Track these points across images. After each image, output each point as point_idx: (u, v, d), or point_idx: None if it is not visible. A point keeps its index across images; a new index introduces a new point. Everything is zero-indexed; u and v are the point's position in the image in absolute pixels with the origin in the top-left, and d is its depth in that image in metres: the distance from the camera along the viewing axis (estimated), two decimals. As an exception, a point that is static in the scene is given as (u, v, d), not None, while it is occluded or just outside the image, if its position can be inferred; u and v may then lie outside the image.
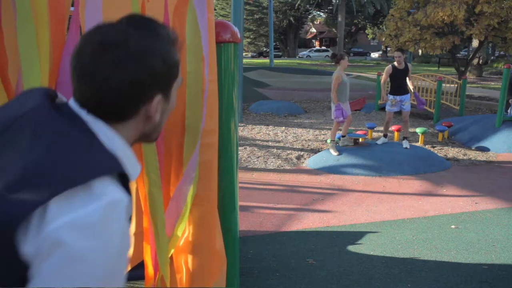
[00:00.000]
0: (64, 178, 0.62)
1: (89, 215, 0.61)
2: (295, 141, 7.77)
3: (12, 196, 0.60)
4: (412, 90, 6.70)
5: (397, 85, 6.61)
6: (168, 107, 0.82)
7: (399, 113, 6.91)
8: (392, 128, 7.75)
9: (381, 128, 7.57)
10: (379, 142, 6.79)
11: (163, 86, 0.76)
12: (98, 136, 0.72)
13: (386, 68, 6.77)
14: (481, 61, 23.04)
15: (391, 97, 6.64)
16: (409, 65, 6.60)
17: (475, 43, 19.65)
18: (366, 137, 7.41)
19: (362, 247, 3.59)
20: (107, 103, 0.72)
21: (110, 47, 0.70)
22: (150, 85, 0.73)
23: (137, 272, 2.18)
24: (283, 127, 9.03)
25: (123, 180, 0.71)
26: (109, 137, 0.74)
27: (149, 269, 1.73)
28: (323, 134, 8.32)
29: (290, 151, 6.98)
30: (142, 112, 0.76)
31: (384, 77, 6.76)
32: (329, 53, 24.69)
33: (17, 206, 0.59)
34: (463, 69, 13.63)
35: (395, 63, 6.58)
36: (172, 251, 1.69)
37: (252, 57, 42.47)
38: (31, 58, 1.33)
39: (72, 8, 1.57)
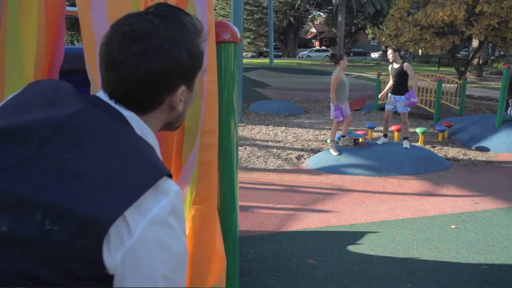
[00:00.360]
0: (137, 185, 0.65)
1: (164, 209, 0.66)
2: (295, 141, 7.77)
3: (95, 201, 0.63)
4: (410, 88, 6.67)
5: (393, 83, 6.61)
6: (192, 97, 0.84)
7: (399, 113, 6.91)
8: (392, 128, 7.75)
9: (381, 128, 7.57)
10: (379, 142, 6.79)
11: (187, 77, 0.78)
12: (135, 131, 0.74)
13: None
14: (481, 61, 23.04)
15: (389, 95, 6.68)
16: (406, 65, 6.40)
17: (475, 43, 19.67)
18: (366, 137, 7.41)
19: (362, 247, 3.59)
20: (133, 94, 0.74)
21: (137, 38, 0.72)
22: (175, 76, 0.75)
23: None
24: (283, 127, 9.03)
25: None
26: (143, 130, 0.76)
27: None
28: (323, 134, 8.31)
29: (290, 151, 6.98)
30: (166, 103, 0.78)
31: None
32: (329, 53, 24.68)
33: (104, 210, 0.62)
34: (463, 69, 13.63)
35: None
36: None
37: (252, 57, 42.46)
38: (15, 54, 1.32)
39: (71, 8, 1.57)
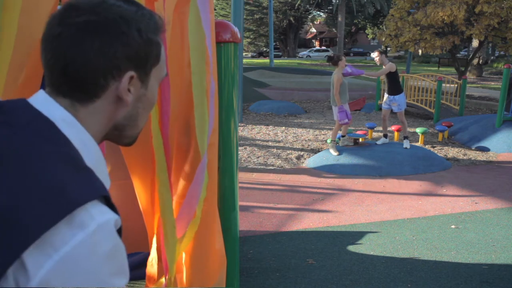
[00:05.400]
0: (40, 219, 0.50)
1: (77, 249, 0.51)
2: (295, 141, 7.77)
3: None
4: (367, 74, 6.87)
5: (387, 84, 6.69)
6: (147, 97, 0.72)
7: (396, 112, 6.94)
8: (392, 128, 7.76)
9: (381, 128, 7.58)
10: (379, 142, 6.79)
11: (137, 62, 0.67)
12: (71, 142, 0.62)
13: None
14: (481, 61, 23.05)
15: (385, 94, 6.80)
16: (387, 65, 6.47)
17: (475, 43, 19.67)
18: (366, 137, 7.41)
19: (362, 247, 3.60)
20: (72, 71, 0.64)
21: (81, 9, 0.64)
22: (121, 55, 0.65)
23: (137, 272, 2.18)
24: (283, 127, 9.03)
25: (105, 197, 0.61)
26: (81, 137, 0.64)
27: (153, 269, 1.73)
28: (323, 134, 8.32)
29: (290, 151, 6.98)
30: (111, 89, 0.66)
31: None
32: (329, 53, 24.47)
33: None
34: (463, 69, 13.63)
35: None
36: (183, 252, 1.68)
37: (252, 57, 42.45)
38: None
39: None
